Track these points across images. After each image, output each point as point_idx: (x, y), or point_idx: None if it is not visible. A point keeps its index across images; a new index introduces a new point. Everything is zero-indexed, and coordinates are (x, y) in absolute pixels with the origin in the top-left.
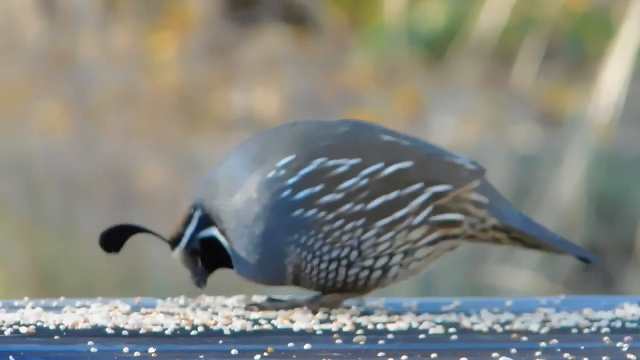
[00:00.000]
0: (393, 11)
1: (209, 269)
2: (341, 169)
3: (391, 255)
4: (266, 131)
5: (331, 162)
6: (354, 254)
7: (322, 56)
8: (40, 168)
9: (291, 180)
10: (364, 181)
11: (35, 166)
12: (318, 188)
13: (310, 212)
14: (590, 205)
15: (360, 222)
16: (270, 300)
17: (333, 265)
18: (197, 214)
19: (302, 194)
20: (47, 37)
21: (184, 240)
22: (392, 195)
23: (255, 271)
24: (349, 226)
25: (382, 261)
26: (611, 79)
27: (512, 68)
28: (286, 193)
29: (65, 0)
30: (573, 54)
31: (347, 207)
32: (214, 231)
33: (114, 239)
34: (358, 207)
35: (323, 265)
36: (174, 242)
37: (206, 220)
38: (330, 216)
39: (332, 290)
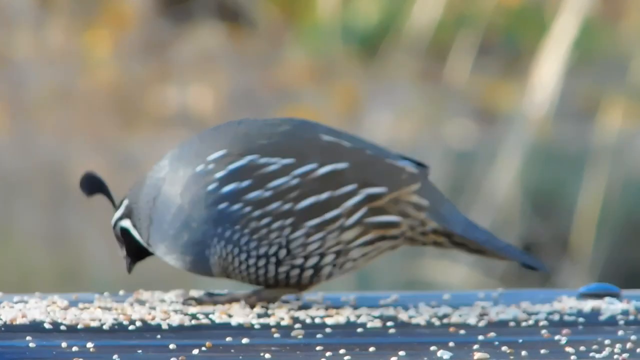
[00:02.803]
0: (327, 7)
1: (133, 256)
2: (272, 167)
3: (322, 255)
4: (210, 128)
5: (263, 160)
6: (283, 252)
7: (258, 53)
8: None
9: (219, 174)
10: (295, 180)
11: None
12: (245, 183)
13: (236, 207)
14: (526, 201)
15: (289, 221)
16: (208, 294)
17: (262, 262)
18: (125, 202)
19: (228, 188)
20: None
21: (112, 222)
22: (324, 195)
23: (178, 260)
24: (277, 224)
25: (312, 261)
26: (546, 74)
27: (446, 64)
28: (212, 186)
29: None
30: (508, 50)
31: (275, 205)
32: (127, 223)
33: (90, 185)
34: (287, 206)
35: (252, 261)
36: (112, 224)
37: (128, 211)
38: (257, 213)
39: (267, 286)
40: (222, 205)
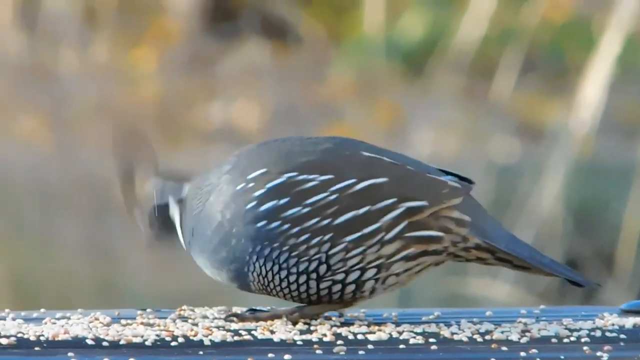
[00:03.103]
0: (372, 24)
1: (158, 238)
2: (310, 184)
3: (363, 270)
4: (256, 145)
5: (301, 177)
6: (323, 268)
7: (302, 69)
8: (19, 179)
9: (257, 193)
10: (333, 196)
11: (14, 178)
12: (283, 201)
13: (274, 224)
14: (569, 217)
15: (328, 236)
16: (251, 311)
17: (302, 279)
18: (185, 188)
19: (266, 206)
20: (28, 51)
21: (161, 197)
22: (362, 210)
23: (214, 271)
24: (316, 240)
25: (354, 276)
26: (590, 90)
27: (491, 80)
28: (251, 205)
29: (45, 15)
30: (552, 65)
31: (313, 221)
32: (175, 217)
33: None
34: (325, 222)
35: (292, 278)
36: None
37: (178, 208)
38: (295, 230)
39: (310, 302)
40: (261, 224)
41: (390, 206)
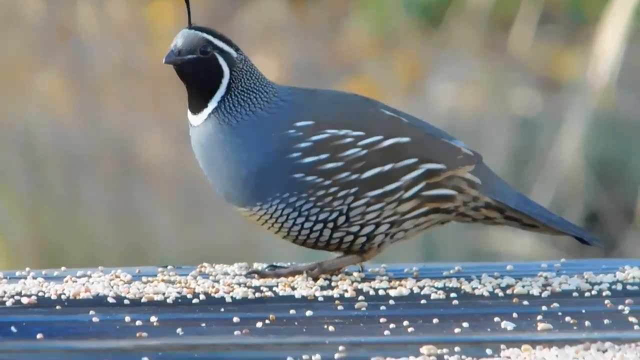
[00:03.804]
0: None
1: (186, 67)
2: (347, 140)
3: (377, 225)
4: (306, 89)
5: (341, 132)
6: (342, 219)
7: (321, 24)
8: (43, 141)
9: (303, 144)
10: (363, 152)
11: (38, 139)
12: (324, 156)
13: (310, 178)
14: (590, 170)
15: (353, 190)
16: (271, 267)
17: (318, 226)
18: (232, 51)
19: (307, 160)
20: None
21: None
22: (387, 167)
23: (222, 171)
24: (342, 193)
25: (368, 229)
26: (609, 42)
27: (509, 33)
28: (295, 155)
29: None
30: (571, 18)
31: (344, 175)
32: (227, 72)
33: None
34: (354, 177)
35: (308, 225)
36: (202, 28)
37: (230, 61)
38: (327, 182)
39: (314, 248)
40: (298, 175)
41: (412, 166)
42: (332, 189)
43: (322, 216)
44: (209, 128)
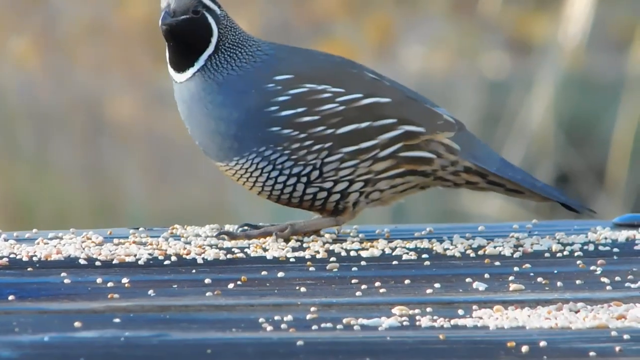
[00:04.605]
0: None
1: (179, 28)
2: (324, 95)
3: (351, 182)
4: (285, 46)
5: (319, 87)
6: (315, 173)
7: None
8: (13, 101)
9: (281, 98)
10: (340, 107)
11: (8, 99)
12: (301, 110)
13: (286, 131)
14: (560, 131)
15: (328, 145)
16: (243, 228)
17: (292, 180)
18: (215, 7)
19: (285, 113)
20: None
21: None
22: (363, 125)
23: (203, 124)
24: (317, 147)
25: (341, 186)
26: (579, 3)
27: None
28: (273, 108)
29: None
30: None
31: (319, 129)
32: (215, 28)
33: None
34: (329, 131)
35: (281, 179)
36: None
37: (216, 18)
38: (302, 135)
39: (287, 205)
40: (275, 128)
41: (390, 126)
42: (307, 142)
43: (295, 170)
44: (192, 85)
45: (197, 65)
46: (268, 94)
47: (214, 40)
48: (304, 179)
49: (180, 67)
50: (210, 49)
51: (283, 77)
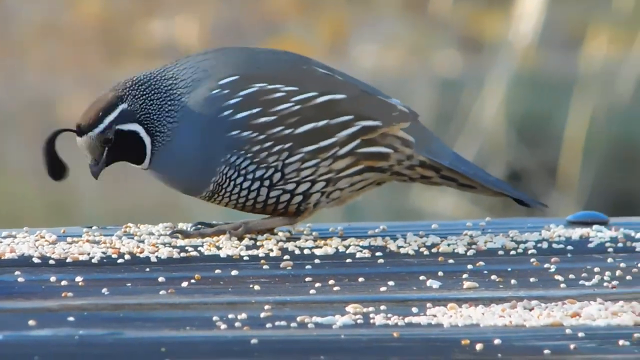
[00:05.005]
0: None
1: (110, 160)
2: (278, 94)
3: (313, 182)
4: (215, 49)
5: (270, 87)
6: (277, 176)
7: None
8: None
9: (232, 101)
10: (296, 107)
11: None
12: (256, 110)
13: (245, 133)
14: (512, 129)
15: (287, 145)
16: (197, 226)
17: (255, 185)
18: (121, 107)
19: (240, 115)
20: None
21: (101, 127)
22: (321, 123)
23: (176, 177)
24: (277, 148)
25: (303, 187)
26: (530, 1)
27: None
28: (227, 112)
29: None
30: None
31: (277, 129)
32: (137, 127)
33: (55, 166)
34: (287, 131)
35: (246, 184)
36: (86, 128)
37: (129, 116)
38: (262, 137)
39: (252, 212)
40: (234, 132)
41: (347, 123)
42: (267, 144)
43: (258, 173)
44: (155, 168)
45: (147, 156)
46: (217, 99)
47: (143, 132)
48: (266, 182)
49: (136, 162)
50: (147, 140)
51: (227, 79)
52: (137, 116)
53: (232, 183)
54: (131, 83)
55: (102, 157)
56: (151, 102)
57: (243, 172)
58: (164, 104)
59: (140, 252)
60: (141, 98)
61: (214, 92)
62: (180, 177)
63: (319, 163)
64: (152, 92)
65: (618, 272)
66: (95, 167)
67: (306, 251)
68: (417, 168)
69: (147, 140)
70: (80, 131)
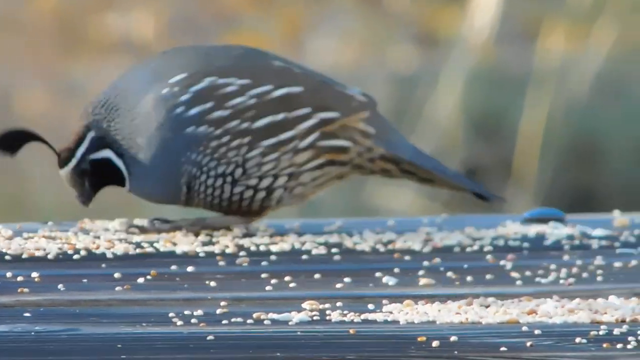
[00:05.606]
0: None
1: (96, 189)
2: (230, 88)
3: (275, 177)
4: (162, 52)
5: (221, 81)
6: (239, 171)
7: None
8: None
9: (184, 98)
10: (252, 100)
11: None
12: (208, 105)
13: (201, 129)
14: (469, 125)
15: (246, 140)
16: (152, 222)
17: (219, 182)
18: (90, 135)
19: (194, 111)
20: None
21: (74, 161)
22: (279, 116)
23: (153, 190)
24: (235, 143)
25: (266, 182)
26: None
27: None
28: (179, 110)
29: None
30: None
31: (234, 123)
32: (108, 153)
33: (11, 142)
34: (245, 125)
35: (210, 182)
36: (63, 162)
37: (99, 142)
38: (218, 132)
39: (221, 209)
40: (190, 129)
41: (305, 115)
42: (225, 139)
43: (220, 169)
44: (133, 190)
45: (126, 179)
46: (169, 99)
47: (116, 158)
48: (229, 179)
49: (122, 185)
50: (121, 165)
51: (177, 78)
52: (106, 140)
53: (197, 181)
54: (92, 108)
55: (84, 188)
56: (113, 122)
57: (205, 169)
58: (124, 119)
59: (96, 248)
60: (104, 121)
61: (165, 91)
62: (155, 188)
63: (280, 157)
64: (111, 111)
65: (575, 270)
66: (81, 197)
67: (262, 247)
68: (377, 161)
69: (119, 163)
70: (60, 164)
